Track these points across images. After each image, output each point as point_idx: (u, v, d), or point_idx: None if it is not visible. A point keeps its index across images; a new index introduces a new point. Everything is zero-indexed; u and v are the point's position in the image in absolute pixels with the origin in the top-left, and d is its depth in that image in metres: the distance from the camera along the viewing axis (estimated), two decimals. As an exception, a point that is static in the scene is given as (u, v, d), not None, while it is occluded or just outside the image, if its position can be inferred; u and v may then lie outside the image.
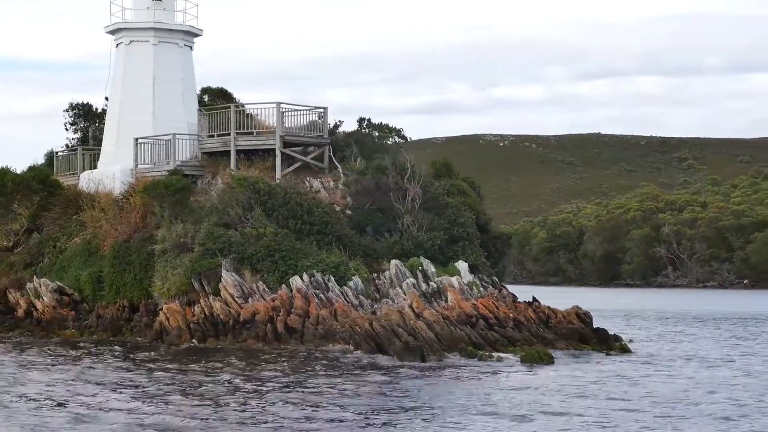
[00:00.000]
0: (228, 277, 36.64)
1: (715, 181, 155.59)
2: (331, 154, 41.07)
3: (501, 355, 30.68)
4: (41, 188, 42.30)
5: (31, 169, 43.08)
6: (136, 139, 42.64)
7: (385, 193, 39.40)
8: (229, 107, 41.98)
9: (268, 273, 36.76)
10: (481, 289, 38.14)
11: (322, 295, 35.64)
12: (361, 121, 42.15)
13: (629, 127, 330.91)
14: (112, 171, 42.91)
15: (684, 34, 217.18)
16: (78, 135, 54.46)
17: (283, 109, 41.13)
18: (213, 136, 42.08)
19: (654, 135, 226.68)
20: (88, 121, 54.53)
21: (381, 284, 37.05)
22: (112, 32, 44.86)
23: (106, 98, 53.45)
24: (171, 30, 44.30)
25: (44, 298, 40.63)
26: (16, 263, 42.92)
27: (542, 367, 29.34)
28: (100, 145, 49.49)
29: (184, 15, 44.83)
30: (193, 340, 35.67)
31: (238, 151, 41.36)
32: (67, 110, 54.46)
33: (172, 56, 44.33)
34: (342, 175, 40.58)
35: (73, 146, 48.64)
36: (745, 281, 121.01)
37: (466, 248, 39.57)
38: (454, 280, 37.05)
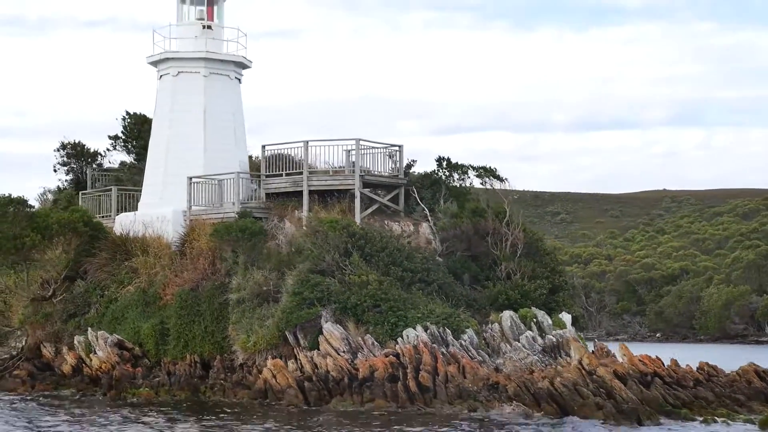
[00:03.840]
0: (333, 330, 33.26)
1: (613, 234, 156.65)
2: (416, 196, 38.03)
3: (719, 419, 27.86)
4: (87, 231, 38.09)
5: (74, 210, 38.76)
6: (190, 179, 38.89)
7: (482, 238, 36.60)
8: (299, 144, 38.49)
9: (376, 325, 33.50)
10: (589, 343, 35.66)
11: (443, 350, 32.57)
12: (440, 160, 39.20)
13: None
14: (162, 213, 39.02)
15: (531, 91, 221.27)
16: (70, 176, 50.33)
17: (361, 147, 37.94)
18: (281, 175, 38.59)
19: (527, 189, 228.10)
20: (80, 161, 50.44)
21: (490, 337, 34.17)
22: (156, 63, 41.10)
23: (113, 140, 49.51)
24: (222, 60, 40.80)
25: (100, 353, 36.39)
26: (53, 314, 38.53)
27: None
28: (96, 187, 45.72)
29: (237, 45, 41.38)
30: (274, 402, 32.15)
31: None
32: (57, 150, 50.33)
33: (223, 89, 40.86)
34: (428, 218, 37.56)
35: (105, 186, 44.39)
36: (657, 335, 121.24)
37: (566, 299, 37.05)
38: (570, 333, 34.44)
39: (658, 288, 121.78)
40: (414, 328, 32.96)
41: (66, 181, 50.42)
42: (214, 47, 40.86)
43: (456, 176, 39.13)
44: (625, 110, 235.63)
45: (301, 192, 38.01)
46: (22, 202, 37.84)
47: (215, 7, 41.35)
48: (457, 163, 39.45)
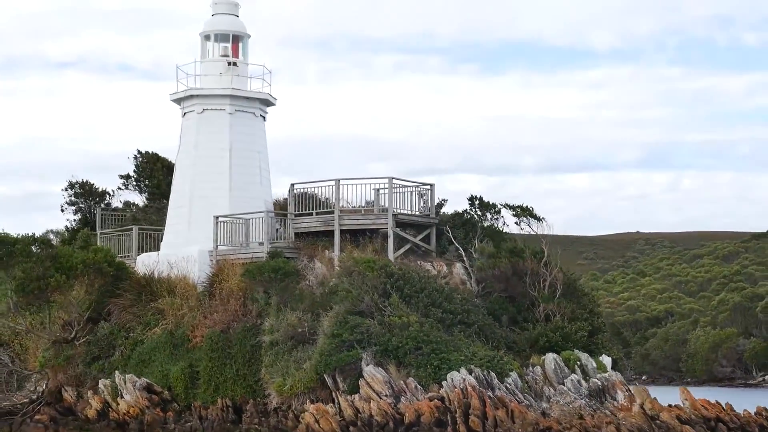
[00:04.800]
0: (376, 373, 32.33)
1: (594, 276, 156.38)
2: (450, 236, 37.28)
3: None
4: (111, 271, 37.05)
5: (97, 249, 37.72)
6: (217, 218, 37.98)
7: (520, 278, 35.86)
8: (329, 182, 37.66)
9: (418, 368, 32.58)
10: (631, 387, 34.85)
11: (490, 394, 31.71)
12: (472, 199, 38.46)
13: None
14: (187, 253, 38.05)
15: (500, 134, 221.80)
16: (78, 216, 49.34)
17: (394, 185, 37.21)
18: (311, 213, 37.78)
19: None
20: (87, 201, 49.48)
21: (532, 380, 33.32)
22: (180, 100, 40.30)
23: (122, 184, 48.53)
24: (248, 98, 40.04)
25: (128, 397, 35.26)
26: (75, 357, 37.37)
27: None
28: (105, 227, 44.87)
29: (262, 82, 40.67)
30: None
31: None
32: (65, 189, 49.37)
33: (248, 126, 40.09)
34: (463, 258, 36.79)
35: (113, 226, 43.42)
36: (643, 377, 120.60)
37: (605, 341, 36.32)
38: (617, 376, 33.68)
39: (644, 330, 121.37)
40: (458, 371, 32.09)
41: (74, 221, 49.42)
42: (239, 84, 40.12)
43: (489, 215, 38.32)
44: (594, 153, 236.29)
45: (329, 231, 37.24)
46: (45, 241, 36.79)
47: (240, 44, 40.64)
48: (488, 202, 38.71)
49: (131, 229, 41.24)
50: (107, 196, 49.86)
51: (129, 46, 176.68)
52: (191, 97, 39.78)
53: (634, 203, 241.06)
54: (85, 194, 49.58)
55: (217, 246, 37.90)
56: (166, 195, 46.76)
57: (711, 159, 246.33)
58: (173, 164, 47.21)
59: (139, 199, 48.46)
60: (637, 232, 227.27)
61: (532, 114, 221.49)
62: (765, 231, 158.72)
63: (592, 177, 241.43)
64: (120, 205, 49.01)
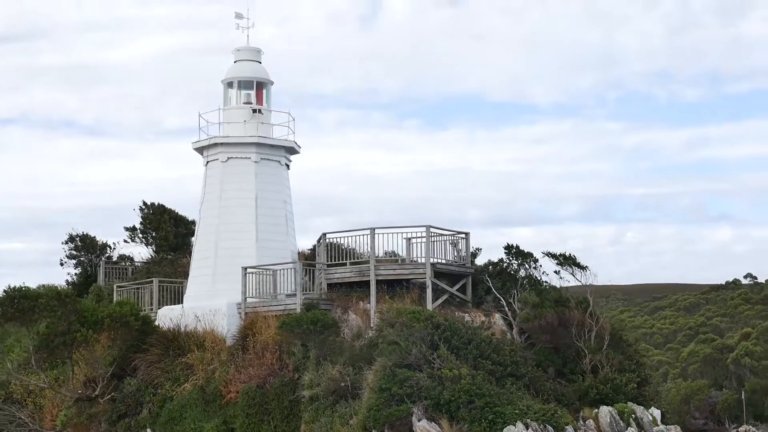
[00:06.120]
0: (430, 428, 31.02)
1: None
2: (490, 285, 36.26)
3: None
4: (137, 325, 35.56)
5: (123, 303, 36.21)
6: (245, 269, 36.65)
7: (566, 328, 34.86)
8: (365, 232, 36.53)
9: (472, 422, 31.32)
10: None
11: (549, 448, 30.59)
12: (509, 248, 37.38)
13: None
14: (214, 305, 36.64)
15: (445, 189, 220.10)
16: (78, 270, 47.83)
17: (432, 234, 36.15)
18: (345, 263, 36.60)
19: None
20: (88, 254, 48.04)
21: (584, 434, 32.26)
22: (202, 149, 39.10)
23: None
24: (273, 146, 38.91)
25: (160, 457, 33.67)
26: (99, 415, 35.72)
27: None
28: (108, 281, 43.63)
29: (287, 129, 39.59)
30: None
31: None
32: (66, 242, 47.90)
33: (274, 175, 38.94)
34: (505, 308, 35.75)
35: (144, 277, 41.90)
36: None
37: (654, 393, 35.37)
38: (676, 430, 32.76)
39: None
40: (514, 425, 30.91)
41: (74, 274, 47.93)
42: (264, 132, 39.05)
43: (527, 265, 37.30)
44: (537, 207, 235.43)
45: (361, 282, 36.12)
46: (69, 294, 35.24)
47: (264, 91, 39.57)
48: (525, 251, 37.70)
49: (151, 282, 39.71)
50: (108, 249, 48.44)
51: (73, 102, 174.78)
52: (215, 145, 38.56)
53: (579, 256, 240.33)
54: (85, 247, 48.12)
55: (245, 298, 36.55)
56: (174, 247, 45.54)
57: (653, 212, 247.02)
58: (180, 216, 46.11)
59: (145, 251, 47.11)
60: (590, 285, 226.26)
61: (476, 168, 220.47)
62: (723, 283, 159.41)
63: (537, 230, 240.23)
64: (116, 258, 47.72)
